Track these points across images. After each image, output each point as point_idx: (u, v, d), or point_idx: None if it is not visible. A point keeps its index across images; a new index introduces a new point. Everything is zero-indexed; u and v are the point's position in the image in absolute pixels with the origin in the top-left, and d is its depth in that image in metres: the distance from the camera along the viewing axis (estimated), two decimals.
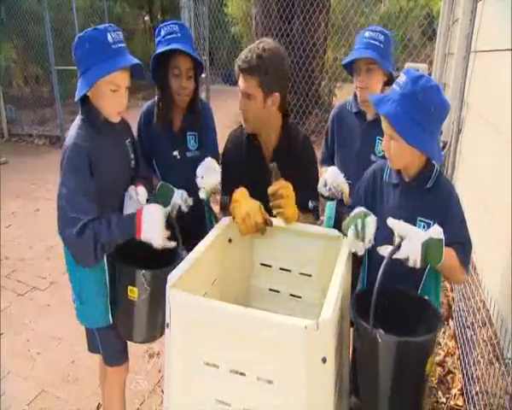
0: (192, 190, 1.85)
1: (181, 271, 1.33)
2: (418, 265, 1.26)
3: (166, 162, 2.00)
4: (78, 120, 1.57)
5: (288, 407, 1.18)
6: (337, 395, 1.39)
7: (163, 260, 1.54)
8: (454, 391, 2.23)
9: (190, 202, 1.84)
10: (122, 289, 1.56)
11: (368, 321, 1.21)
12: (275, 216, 1.60)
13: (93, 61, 1.45)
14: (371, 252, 1.46)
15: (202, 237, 1.56)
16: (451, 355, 2.47)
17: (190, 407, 1.33)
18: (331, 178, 1.84)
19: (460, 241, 1.37)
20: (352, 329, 1.45)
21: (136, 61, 1.50)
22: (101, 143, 1.55)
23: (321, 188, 1.85)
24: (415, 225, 1.38)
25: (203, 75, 5.18)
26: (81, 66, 1.49)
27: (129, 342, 2.00)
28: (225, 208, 1.79)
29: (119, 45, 1.48)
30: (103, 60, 1.44)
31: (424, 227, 1.40)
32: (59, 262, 3.67)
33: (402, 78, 1.33)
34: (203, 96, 5.24)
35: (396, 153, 1.39)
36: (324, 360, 1.14)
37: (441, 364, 2.42)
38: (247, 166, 1.78)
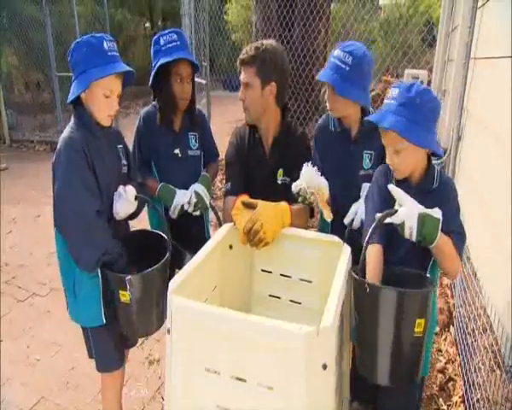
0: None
1: (182, 277, 1.33)
2: (414, 235, 1.30)
3: (168, 161, 2.05)
4: (71, 122, 1.62)
5: None
6: (338, 402, 1.39)
7: (154, 254, 1.60)
8: (455, 399, 2.22)
9: (194, 199, 1.90)
10: (114, 294, 1.58)
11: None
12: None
13: (89, 64, 1.52)
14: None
15: (201, 237, 1.59)
16: (452, 362, 2.46)
17: None
18: (307, 180, 1.66)
19: (455, 230, 1.42)
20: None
21: (129, 68, 1.58)
22: (93, 144, 1.60)
23: (295, 191, 1.69)
24: None
25: (203, 81, 5.21)
26: (77, 69, 1.54)
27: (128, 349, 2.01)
28: (226, 195, 1.89)
29: (114, 53, 1.56)
30: (99, 64, 1.51)
31: None
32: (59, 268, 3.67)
33: (393, 92, 1.38)
34: (204, 101, 5.25)
35: (403, 163, 1.43)
36: (325, 367, 1.14)
37: (442, 371, 2.41)
38: (248, 158, 1.91)
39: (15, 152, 7.48)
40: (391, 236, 1.47)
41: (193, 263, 1.41)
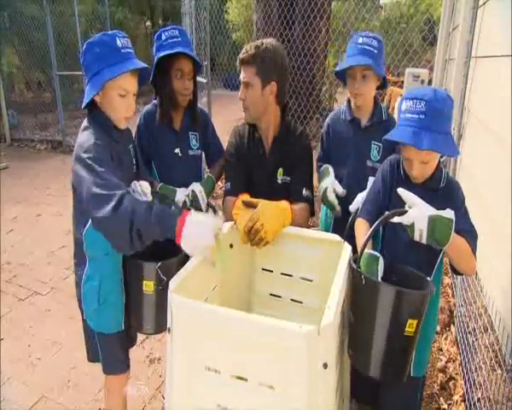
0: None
1: (182, 276, 1.33)
2: (424, 237, 1.27)
3: (168, 160, 2.04)
4: (86, 126, 1.53)
5: None
6: (338, 401, 1.39)
7: (162, 251, 1.56)
8: (456, 398, 2.22)
9: (193, 196, 1.89)
10: (136, 284, 1.56)
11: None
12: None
13: (103, 64, 1.45)
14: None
15: None
16: (453, 361, 2.46)
17: None
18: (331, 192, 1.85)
19: (467, 229, 1.40)
20: None
21: (144, 64, 1.51)
22: (112, 147, 1.54)
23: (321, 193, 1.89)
24: None
25: (204, 80, 5.21)
26: (90, 70, 1.48)
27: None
28: (226, 194, 1.89)
29: (128, 50, 1.49)
30: (113, 63, 1.44)
31: None
32: (60, 267, 3.68)
33: (418, 104, 1.32)
34: (204, 100, 5.25)
35: (428, 172, 1.44)
36: (325, 366, 1.14)
37: (443, 370, 2.41)
38: (248, 157, 1.90)
39: (16, 151, 7.49)
40: (395, 237, 1.48)
41: (193, 262, 1.40)
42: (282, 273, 1.71)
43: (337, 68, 1.91)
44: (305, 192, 1.82)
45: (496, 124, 2.38)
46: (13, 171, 6.33)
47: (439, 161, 1.47)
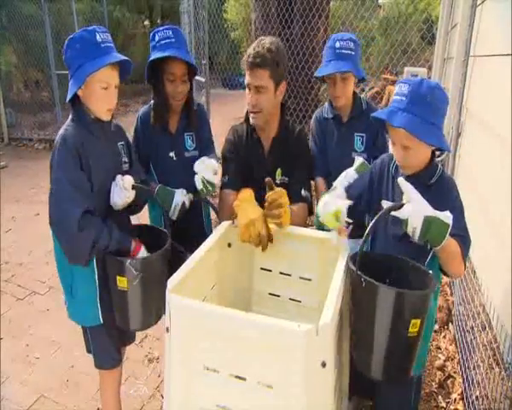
0: (191, 190, 1.88)
1: (180, 275, 1.33)
2: (417, 235, 1.26)
3: (164, 164, 2.01)
4: (68, 119, 1.61)
5: None
6: (337, 399, 1.39)
7: (151, 245, 1.60)
8: (454, 396, 2.22)
9: (191, 196, 1.88)
10: (111, 280, 1.58)
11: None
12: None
13: (83, 59, 1.49)
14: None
15: (200, 237, 1.57)
16: (451, 360, 2.46)
17: None
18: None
19: (460, 233, 1.38)
20: None
21: (123, 57, 1.54)
22: (90, 141, 1.58)
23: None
24: None
25: (203, 79, 5.20)
26: (72, 66, 1.52)
27: (128, 347, 2.01)
28: (223, 188, 1.88)
29: (108, 45, 1.53)
30: (93, 57, 1.49)
31: None
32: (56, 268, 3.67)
33: (403, 87, 1.35)
34: (203, 100, 5.24)
35: (412, 160, 1.42)
36: (324, 365, 1.14)
37: (441, 368, 2.42)
38: (246, 157, 1.89)
39: (14, 150, 7.47)
40: (385, 230, 1.51)
41: (191, 261, 1.40)
42: (281, 273, 1.71)
43: (317, 74, 1.99)
44: (303, 192, 1.83)
45: (495, 122, 2.38)
46: (11, 170, 6.31)
47: (433, 157, 1.46)
